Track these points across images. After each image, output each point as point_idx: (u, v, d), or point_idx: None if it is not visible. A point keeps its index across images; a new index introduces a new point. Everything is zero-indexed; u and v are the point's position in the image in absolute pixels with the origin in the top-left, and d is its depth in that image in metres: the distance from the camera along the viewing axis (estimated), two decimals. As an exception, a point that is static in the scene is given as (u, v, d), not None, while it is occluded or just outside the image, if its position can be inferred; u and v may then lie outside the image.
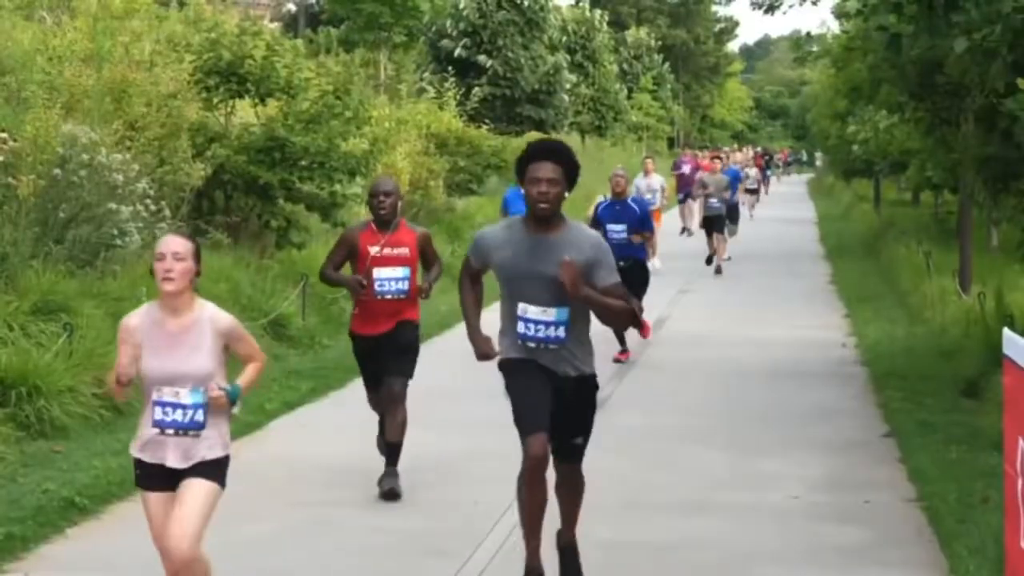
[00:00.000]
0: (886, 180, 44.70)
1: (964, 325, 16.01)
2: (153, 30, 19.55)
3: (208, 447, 6.72)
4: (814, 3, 15.89)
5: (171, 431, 6.66)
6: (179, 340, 6.66)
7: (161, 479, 6.73)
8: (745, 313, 20.63)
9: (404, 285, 9.96)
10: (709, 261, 26.75)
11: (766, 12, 14.50)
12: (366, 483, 10.25)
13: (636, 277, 15.70)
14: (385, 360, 10.05)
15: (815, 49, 20.30)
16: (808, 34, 18.09)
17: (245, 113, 19.38)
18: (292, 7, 52.63)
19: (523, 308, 7.41)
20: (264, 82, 18.34)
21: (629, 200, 16.32)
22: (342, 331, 17.87)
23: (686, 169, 37.87)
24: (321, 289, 18.11)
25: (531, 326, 7.43)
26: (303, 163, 18.02)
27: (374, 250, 9.88)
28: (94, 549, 8.66)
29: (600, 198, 17.93)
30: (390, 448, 10.09)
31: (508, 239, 7.48)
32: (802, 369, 15.61)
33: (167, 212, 15.70)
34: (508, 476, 10.37)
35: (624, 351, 16.04)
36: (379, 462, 10.20)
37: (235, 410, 6.87)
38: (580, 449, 7.96)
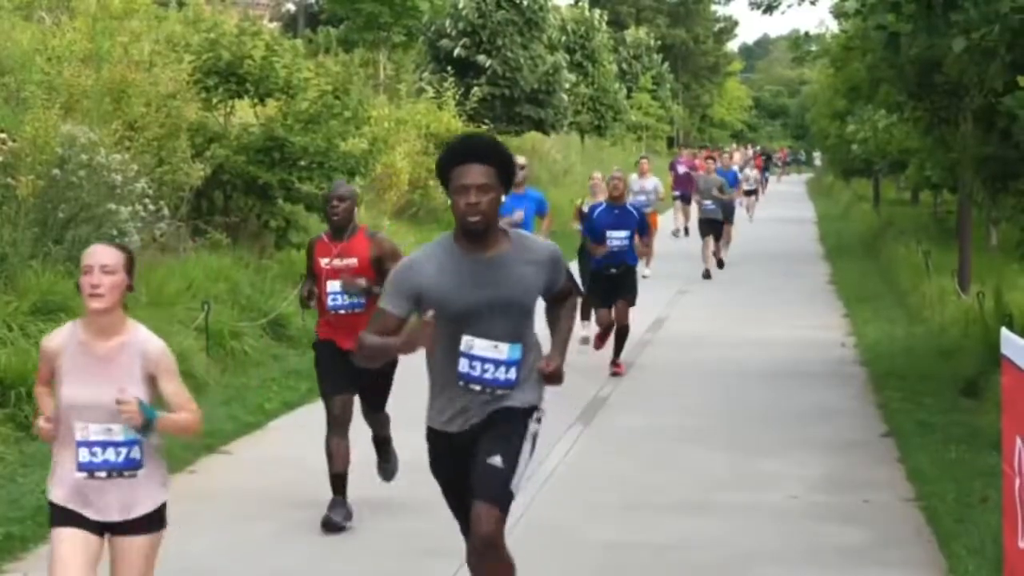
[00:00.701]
0: (885, 179, 44.71)
1: (963, 325, 16.02)
2: (152, 30, 19.55)
3: (147, 494, 5.81)
4: (812, 3, 15.92)
5: (103, 473, 5.70)
6: (107, 366, 5.71)
7: (86, 520, 5.77)
8: (744, 313, 20.64)
9: (358, 299, 9.16)
10: (707, 276, 25.82)
11: (764, 12, 14.51)
12: (364, 483, 10.25)
13: (626, 283, 15.38)
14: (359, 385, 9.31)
15: (814, 48, 20.30)
16: (807, 34, 18.07)
17: (244, 113, 19.39)
18: (291, 7, 52.63)
19: (468, 342, 6.07)
20: (263, 82, 18.36)
21: (628, 205, 15.62)
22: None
23: (681, 170, 37.55)
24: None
25: (477, 365, 6.10)
26: (302, 163, 18.03)
27: (324, 261, 9.28)
28: (93, 549, 8.65)
29: (579, 202, 17.47)
30: (383, 459, 10.00)
31: (442, 267, 6.02)
32: (801, 369, 15.62)
33: (166, 212, 15.71)
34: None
35: (617, 363, 15.47)
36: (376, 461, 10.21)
37: (152, 439, 5.77)
38: (501, 481, 6.27)
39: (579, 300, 6.78)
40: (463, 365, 6.10)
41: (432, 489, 10.13)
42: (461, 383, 6.13)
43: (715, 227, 26.48)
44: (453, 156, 5.98)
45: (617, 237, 15.20)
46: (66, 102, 15.82)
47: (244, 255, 17.63)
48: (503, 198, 6.02)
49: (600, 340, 15.69)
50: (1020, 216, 13.80)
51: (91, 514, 5.73)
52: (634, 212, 15.43)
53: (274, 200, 18.17)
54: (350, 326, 8.92)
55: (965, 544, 8.47)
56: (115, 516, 5.75)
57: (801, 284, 24.95)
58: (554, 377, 6.21)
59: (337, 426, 9.20)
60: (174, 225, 16.38)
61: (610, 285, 15.29)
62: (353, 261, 9.15)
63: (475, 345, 6.08)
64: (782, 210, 48.21)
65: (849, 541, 8.94)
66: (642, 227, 15.44)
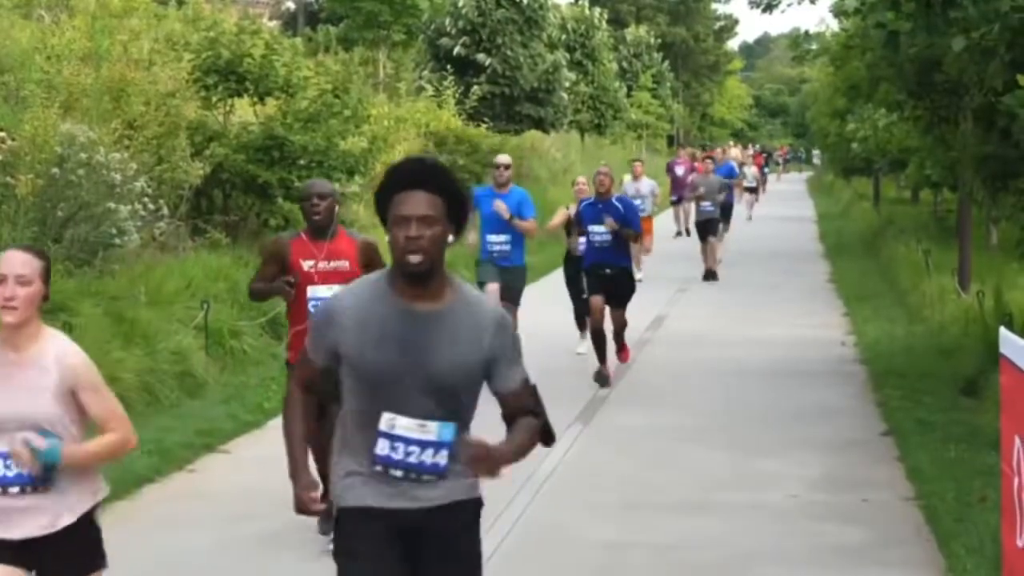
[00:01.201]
0: (886, 178, 44.70)
1: (963, 324, 16.02)
2: (152, 29, 19.56)
3: (77, 500, 5.29)
4: (812, 1, 15.91)
5: (15, 489, 5.16)
6: (18, 375, 5.19)
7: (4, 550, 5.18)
8: (744, 312, 20.63)
9: None
10: (707, 277, 25.46)
11: (764, 11, 14.49)
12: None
13: (621, 287, 14.75)
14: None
15: (814, 47, 20.29)
16: (807, 33, 18.07)
17: (244, 112, 19.39)
18: (291, 5, 52.61)
19: (389, 420, 4.79)
20: (263, 81, 18.35)
21: (613, 199, 14.86)
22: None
23: (680, 171, 37.01)
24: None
25: (399, 447, 4.80)
26: (302, 162, 18.03)
27: (307, 264, 8.50)
28: (92, 549, 8.64)
29: (563, 209, 16.66)
30: None
31: (365, 316, 4.80)
32: (801, 368, 15.61)
33: (165, 211, 15.72)
34: (506, 476, 10.39)
35: (624, 348, 15.31)
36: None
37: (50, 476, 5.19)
38: None
39: (539, 433, 5.10)
40: (381, 446, 4.83)
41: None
42: (375, 468, 4.86)
43: (713, 227, 26.02)
44: (394, 181, 4.82)
45: (597, 232, 14.67)
46: (65, 101, 15.82)
47: (243, 254, 17.62)
48: (450, 238, 4.80)
49: (603, 363, 14.75)
50: (1020, 215, 13.79)
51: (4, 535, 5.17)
52: (618, 206, 14.70)
53: (273, 199, 18.17)
54: None
55: (964, 543, 8.47)
56: (35, 532, 5.19)
57: (801, 283, 24.95)
58: (482, 462, 4.80)
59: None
60: (173, 224, 16.38)
61: (606, 282, 14.76)
62: (344, 264, 8.50)
63: (397, 424, 4.81)
64: (782, 208, 48.20)
65: (848, 540, 8.93)
66: (627, 221, 14.62)
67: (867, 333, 17.99)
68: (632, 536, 9.03)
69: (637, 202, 23.69)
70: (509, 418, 5.02)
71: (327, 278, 8.44)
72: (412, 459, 4.84)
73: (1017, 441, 6.35)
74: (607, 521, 9.37)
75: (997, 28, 10.57)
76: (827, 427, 12.45)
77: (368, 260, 8.49)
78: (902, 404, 13.12)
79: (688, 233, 33.81)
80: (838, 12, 14.60)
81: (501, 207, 14.21)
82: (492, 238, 14.40)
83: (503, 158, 14.93)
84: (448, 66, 39.07)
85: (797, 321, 19.54)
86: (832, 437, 12.03)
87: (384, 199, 4.84)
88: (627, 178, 25.80)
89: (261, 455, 11.34)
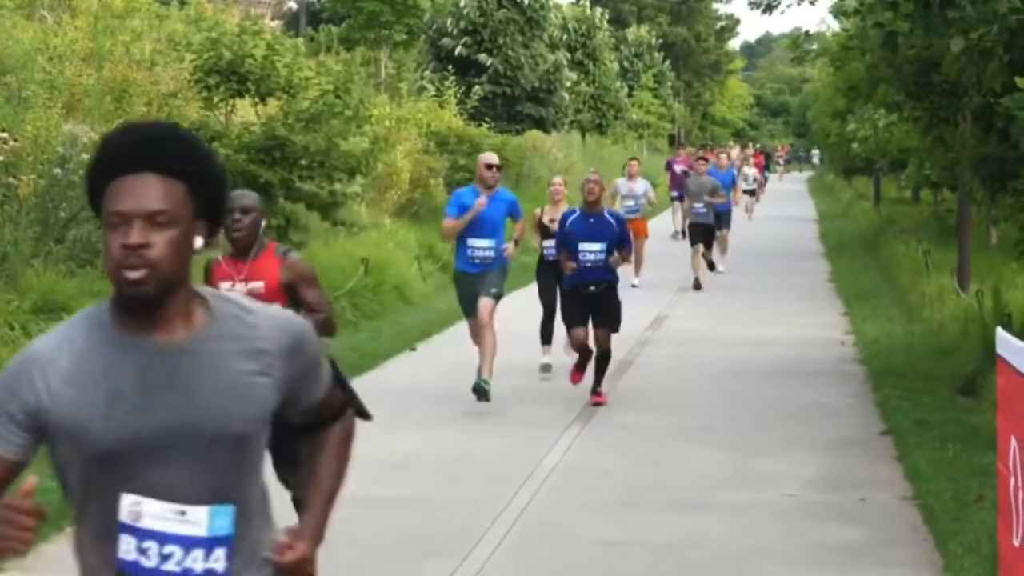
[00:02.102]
0: (886, 178, 44.73)
1: (962, 323, 16.04)
2: (153, 29, 19.67)
3: None
4: (812, 2, 15.95)
5: None
6: None
7: None
8: (744, 312, 20.66)
9: None
10: (697, 286, 23.62)
11: (764, 12, 14.54)
12: (364, 481, 10.30)
13: (607, 306, 13.32)
14: None
15: (814, 47, 20.34)
16: (807, 33, 18.11)
17: (245, 112, 19.45)
18: (293, 5, 52.69)
19: (133, 507, 3.22)
20: (264, 81, 18.41)
21: (606, 212, 13.44)
22: (343, 330, 17.90)
23: (678, 169, 36.86)
24: (323, 286, 18.14)
25: (151, 548, 3.22)
26: (303, 162, 18.09)
27: (225, 287, 7.40)
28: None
29: (538, 211, 15.35)
30: None
31: (79, 365, 3.24)
32: (801, 368, 15.64)
33: (167, 211, 15.73)
34: (506, 475, 10.45)
35: (598, 392, 13.47)
36: (379, 459, 10.25)
37: None
38: None
39: (355, 421, 3.87)
40: (125, 547, 3.25)
41: (430, 488, 10.21)
42: None
43: (706, 232, 24.11)
44: (108, 160, 3.26)
45: (590, 250, 13.13)
46: (67, 101, 15.90)
47: (245, 254, 17.65)
48: (198, 242, 3.30)
49: (577, 371, 13.60)
50: (1019, 215, 13.82)
51: None
52: (612, 221, 13.30)
53: (275, 199, 18.23)
54: None
55: (961, 542, 8.50)
56: None
57: (801, 282, 24.97)
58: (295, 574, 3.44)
59: None
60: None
61: (588, 304, 13.35)
62: (259, 285, 7.47)
63: (144, 513, 3.24)
64: (783, 208, 48.21)
65: (846, 540, 8.97)
66: (621, 240, 13.26)
67: (866, 333, 18.02)
68: (631, 535, 9.07)
69: (630, 203, 23.26)
70: (308, 423, 3.69)
71: None
72: (170, 567, 3.25)
73: (1013, 441, 6.40)
74: (606, 520, 9.41)
75: (995, 29, 10.61)
76: (826, 426, 12.48)
77: (292, 275, 7.48)
78: (900, 404, 13.14)
79: (685, 235, 33.62)
80: (838, 12, 14.64)
81: (481, 202, 12.96)
82: (476, 243, 13.08)
83: (489, 157, 13.58)
84: (450, 66, 39.16)
85: (797, 321, 19.57)
86: (831, 437, 12.06)
87: (96, 184, 3.27)
88: (621, 180, 24.60)
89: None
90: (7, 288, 12.87)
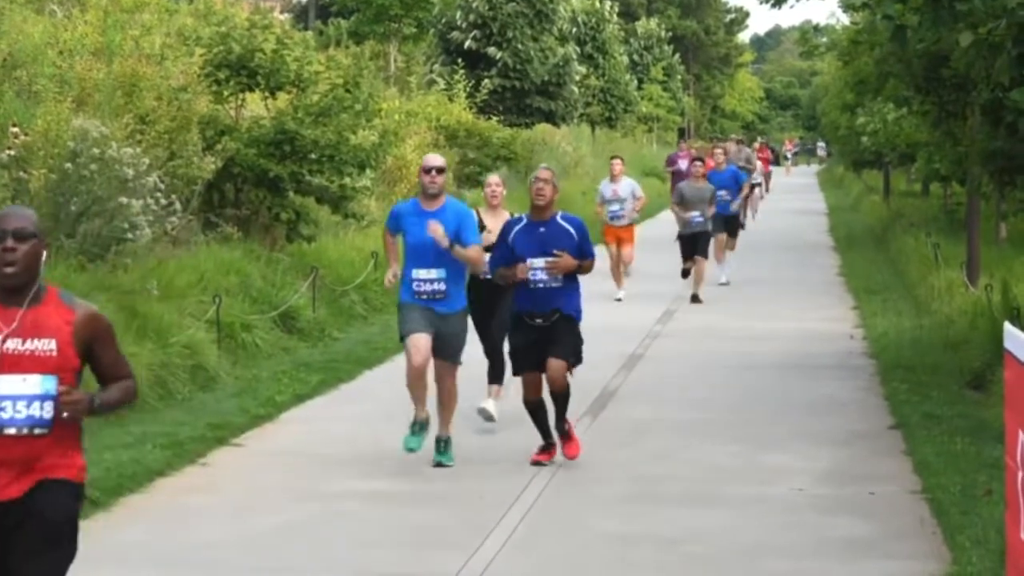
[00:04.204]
0: (895, 171, 44.67)
1: (971, 317, 16.05)
2: (163, 23, 19.71)
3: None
4: (820, -2, 15.97)
5: None
6: None
7: None
8: (754, 305, 20.66)
9: (42, 411, 5.41)
10: (695, 299, 20.77)
11: (773, 6, 14.54)
12: (374, 476, 10.34)
13: (563, 336, 10.50)
14: (15, 556, 5.45)
15: (823, 40, 20.33)
16: (815, 27, 18.11)
17: (255, 106, 19.48)
18: (303, -2, 52.68)
19: None
20: (274, 75, 18.44)
21: (557, 217, 10.58)
22: (353, 324, 18.04)
23: (682, 165, 34.54)
24: (332, 281, 18.23)
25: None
26: (313, 156, 18.10)
27: None
28: (105, 542, 8.73)
29: (478, 214, 11.75)
30: None
31: None
32: (810, 361, 15.66)
33: (178, 206, 15.80)
34: (514, 469, 10.49)
35: (550, 449, 10.75)
36: (388, 454, 10.28)
37: None
38: None
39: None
40: None
41: (439, 482, 10.25)
42: None
43: (701, 244, 21.11)
44: None
45: (539, 268, 10.41)
46: (78, 96, 15.92)
47: (255, 248, 17.72)
48: None
49: (544, 453, 10.76)
50: (1028, 209, 13.84)
51: None
52: (569, 229, 10.51)
53: (285, 193, 18.26)
54: (21, 459, 5.46)
55: (970, 536, 8.54)
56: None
57: (811, 276, 24.98)
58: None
59: None
60: (185, 218, 16.47)
61: (538, 339, 10.52)
62: (47, 345, 5.44)
63: None
64: (793, 202, 48.17)
65: (855, 533, 8.99)
66: (582, 252, 10.52)
67: (876, 326, 18.04)
68: (640, 528, 9.10)
69: (615, 207, 20.88)
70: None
71: (14, 365, 5.39)
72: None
73: (1021, 436, 6.41)
74: (615, 513, 9.44)
75: (1004, 24, 10.61)
76: (835, 420, 12.51)
77: (91, 331, 5.56)
78: (909, 398, 13.17)
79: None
80: (847, 7, 14.65)
81: (437, 230, 10.32)
82: (420, 273, 10.50)
83: (431, 159, 10.86)
84: (459, 60, 39.20)
85: (807, 314, 19.58)
86: (840, 430, 12.08)
87: None
88: (604, 181, 21.93)
89: (273, 448, 11.44)
90: (18, 282, 12.89)
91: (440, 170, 10.64)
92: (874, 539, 8.87)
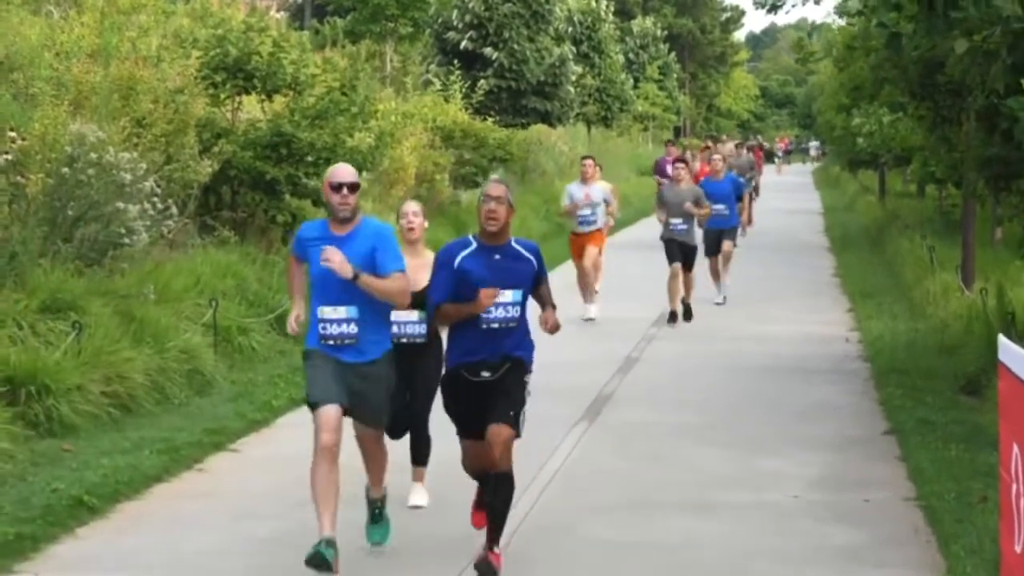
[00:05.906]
0: (891, 171, 44.72)
1: (966, 321, 16.09)
2: (160, 25, 19.65)
3: None
4: (816, 2, 16.00)
5: None
6: None
7: None
8: (749, 307, 20.69)
9: None
10: (673, 318, 19.02)
11: (768, 11, 14.57)
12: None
13: (509, 392, 8.25)
14: None
15: (817, 45, 20.36)
16: (810, 32, 18.14)
17: (251, 109, 19.48)
18: (299, -3, 52.64)
19: None
20: (270, 78, 18.46)
21: (512, 242, 8.36)
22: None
23: (671, 170, 32.95)
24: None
25: None
26: (309, 158, 18.11)
27: None
28: (104, 548, 8.76)
29: (392, 226, 8.77)
30: None
31: None
32: (805, 365, 15.68)
33: (174, 210, 15.80)
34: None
35: (493, 551, 8.12)
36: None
37: None
38: None
39: None
40: None
41: (434, 491, 10.25)
42: None
43: (685, 253, 19.24)
44: None
45: (501, 303, 8.20)
46: (75, 99, 15.90)
47: (251, 251, 17.73)
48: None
49: (480, 511, 8.74)
50: (1023, 215, 13.86)
51: None
52: (526, 255, 8.37)
53: (281, 196, 18.27)
54: None
55: (964, 544, 8.56)
56: None
57: (806, 277, 24.99)
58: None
59: None
60: (182, 222, 16.47)
61: (481, 397, 8.31)
62: None
63: None
64: (788, 202, 48.16)
65: (849, 541, 9.03)
66: (539, 279, 8.43)
67: (870, 329, 18.06)
68: (635, 535, 9.13)
69: (587, 211, 19.08)
70: None
71: None
72: None
73: (1015, 448, 6.45)
74: (610, 520, 9.47)
75: (999, 31, 10.64)
76: (829, 425, 12.54)
77: None
78: (904, 403, 13.20)
79: None
80: (841, 12, 14.68)
81: (333, 259, 7.98)
82: (326, 312, 8.19)
83: (344, 173, 8.25)
84: (455, 60, 39.19)
85: (802, 317, 19.61)
86: (834, 435, 12.12)
87: None
88: (573, 184, 20.00)
89: (270, 454, 11.46)
90: (15, 287, 12.92)
91: (352, 187, 8.13)
92: (868, 547, 8.91)
